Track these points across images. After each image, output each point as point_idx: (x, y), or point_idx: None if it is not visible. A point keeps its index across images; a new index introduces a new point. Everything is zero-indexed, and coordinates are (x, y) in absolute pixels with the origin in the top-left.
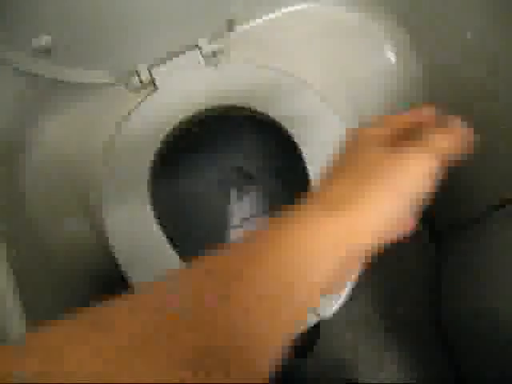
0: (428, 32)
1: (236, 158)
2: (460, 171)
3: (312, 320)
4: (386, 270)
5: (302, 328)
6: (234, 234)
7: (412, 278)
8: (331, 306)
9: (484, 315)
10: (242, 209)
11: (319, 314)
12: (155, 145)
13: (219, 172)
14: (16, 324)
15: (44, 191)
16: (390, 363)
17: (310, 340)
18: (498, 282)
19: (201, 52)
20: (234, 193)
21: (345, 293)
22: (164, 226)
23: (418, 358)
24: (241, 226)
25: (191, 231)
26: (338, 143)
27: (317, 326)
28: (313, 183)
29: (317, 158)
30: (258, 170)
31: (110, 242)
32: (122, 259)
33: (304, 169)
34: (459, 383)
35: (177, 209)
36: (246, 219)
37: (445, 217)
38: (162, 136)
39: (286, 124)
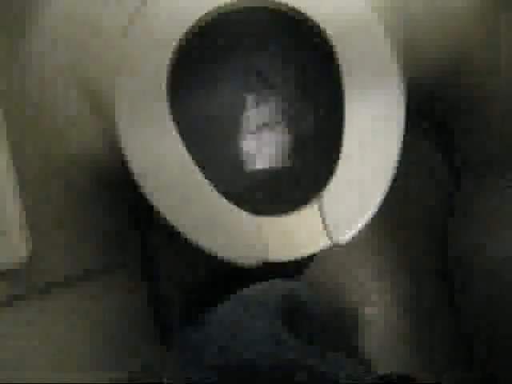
0: None
1: (260, 63)
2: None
3: (324, 244)
4: (397, 201)
5: (313, 251)
6: (250, 140)
7: (424, 211)
8: (348, 233)
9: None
10: (258, 115)
11: (332, 238)
12: (176, 37)
13: (237, 78)
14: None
15: (48, 65)
16: (389, 290)
17: (305, 262)
18: None
19: None
20: (251, 97)
21: (365, 220)
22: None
23: (417, 289)
24: (256, 133)
25: (205, 140)
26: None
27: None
28: (346, 93)
29: (355, 67)
30: (282, 79)
31: (127, 154)
32: (136, 168)
33: (335, 80)
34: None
35: (194, 117)
36: (262, 125)
37: (465, 152)
38: (184, 28)
39: (325, 27)
